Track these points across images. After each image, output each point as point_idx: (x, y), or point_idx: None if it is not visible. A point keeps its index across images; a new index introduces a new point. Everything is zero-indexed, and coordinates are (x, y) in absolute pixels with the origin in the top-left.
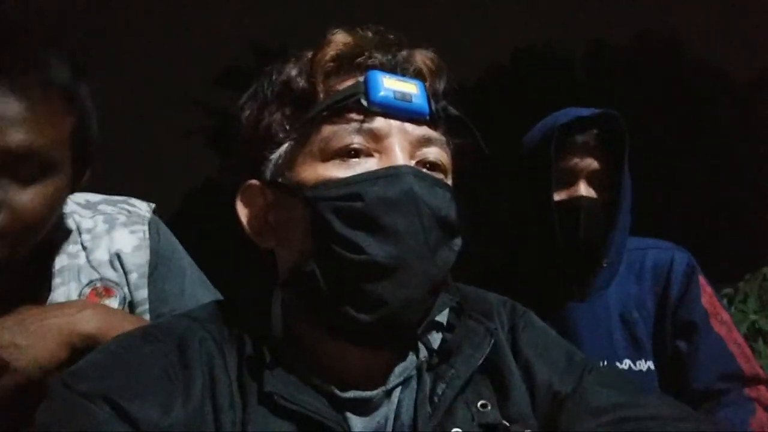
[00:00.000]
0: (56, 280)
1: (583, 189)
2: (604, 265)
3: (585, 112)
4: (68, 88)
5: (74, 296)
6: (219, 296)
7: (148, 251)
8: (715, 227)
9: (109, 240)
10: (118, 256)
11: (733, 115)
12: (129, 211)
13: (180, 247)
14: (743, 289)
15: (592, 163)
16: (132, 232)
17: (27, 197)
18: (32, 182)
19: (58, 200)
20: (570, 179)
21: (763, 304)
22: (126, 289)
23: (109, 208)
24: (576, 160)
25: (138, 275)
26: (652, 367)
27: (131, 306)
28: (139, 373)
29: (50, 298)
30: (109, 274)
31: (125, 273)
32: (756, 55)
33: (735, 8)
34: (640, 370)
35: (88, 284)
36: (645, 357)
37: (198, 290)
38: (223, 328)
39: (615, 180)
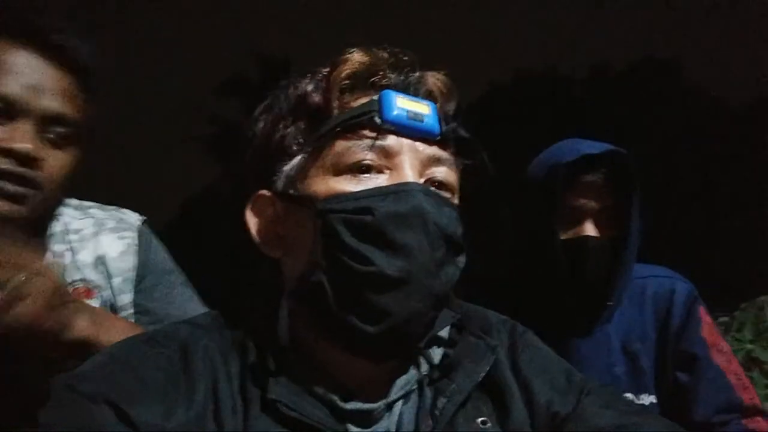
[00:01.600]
0: None
1: (590, 229)
2: (609, 303)
3: (593, 148)
4: (94, 77)
5: None
6: (204, 307)
7: (135, 257)
8: (712, 255)
9: (95, 243)
10: (103, 260)
11: (732, 141)
12: (119, 218)
13: (170, 259)
14: (739, 318)
15: (599, 203)
16: (120, 237)
17: (59, 159)
18: (62, 147)
19: (77, 168)
20: (576, 218)
21: (759, 333)
22: (108, 292)
23: (99, 213)
24: (583, 200)
25: (122, 279)
26: (654, 401)
27: (113, 310)
28: (143, 378)
29: None
30: (92, 276)
31: (109, 276)
32: (756, 80)
33: (736, 34)
34: (642, 404)
35: (70, 284)
36: (647, 391)
37: (186, 303)
38: (226, 335)
39: (622, 216)
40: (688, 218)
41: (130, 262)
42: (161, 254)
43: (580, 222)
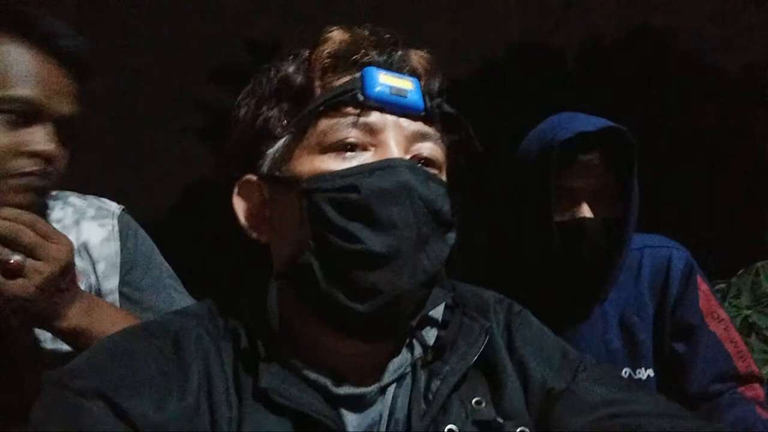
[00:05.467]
0: None
1: (586, 210)
2: (607, 284)
3: (588, 125)
4: (88, 70)
5: None
6: (189, 297)
7: (117, 243)
8: (710, 222)
9: (77, 231)
10: (86, 246)
11: (728, 110)
12: (98, 206)
13: (155, 250)
14: (736, 284)
15: (595, 183)
16: (101, 225)
17: (65, 155)
18: (66, 144)
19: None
20: (572, 199)
21: (756, 299)
22: (92, 278)
23: (78, 202)
24: (579, 180)
25: (106, 265)
26: (652, 374)
27: (99, 295)
28: (135, 370)
29: None
30: (77, 262)
31: (93, 262)
32: (751, 50)
33: (730, 3)
34: (640, 379)
35: None
36: (645, 365)
37: (172, 292)
38: (218, 323)
39: (619, 195)
40: (684, 186)
41: (112, 247)
42: (147, 244)
43: (575, 203)
